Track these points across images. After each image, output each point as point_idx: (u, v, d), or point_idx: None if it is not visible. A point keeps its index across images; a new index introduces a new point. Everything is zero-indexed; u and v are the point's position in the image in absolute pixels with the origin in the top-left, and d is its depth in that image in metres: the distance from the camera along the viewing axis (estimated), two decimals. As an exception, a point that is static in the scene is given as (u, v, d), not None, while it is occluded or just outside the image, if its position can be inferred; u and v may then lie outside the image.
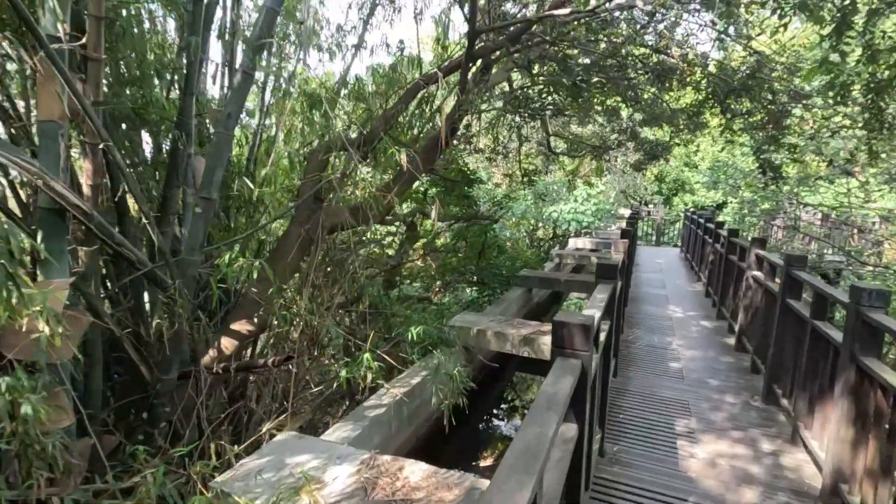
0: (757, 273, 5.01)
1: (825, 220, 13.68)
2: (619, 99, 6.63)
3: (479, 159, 8.61)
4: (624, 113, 8.97)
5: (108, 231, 2.57)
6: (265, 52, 4.71)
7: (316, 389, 4.10)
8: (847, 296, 2.73)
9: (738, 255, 5.94)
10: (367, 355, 3.45)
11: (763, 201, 11.71)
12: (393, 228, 7.53)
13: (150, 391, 3.24)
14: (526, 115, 4.68)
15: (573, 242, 14.20)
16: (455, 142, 7.73)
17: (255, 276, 2.98)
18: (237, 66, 4.02)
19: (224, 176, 3.63)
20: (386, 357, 3.75)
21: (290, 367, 3.50)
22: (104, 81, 2.97)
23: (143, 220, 2.81)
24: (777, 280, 4.58)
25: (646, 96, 6.65)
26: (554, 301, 9.66)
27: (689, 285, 9.10)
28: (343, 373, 3.33)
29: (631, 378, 4.52)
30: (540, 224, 15.29)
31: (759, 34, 5.57)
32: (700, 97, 6.53)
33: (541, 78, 4.78)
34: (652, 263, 11.59)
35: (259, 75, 4.68)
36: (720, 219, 13.33)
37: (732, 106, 5.03)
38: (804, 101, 5.41)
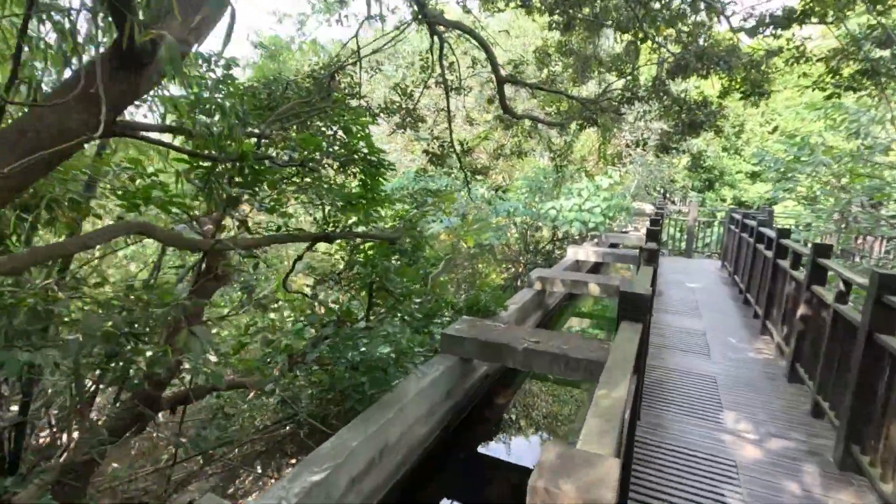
0: None
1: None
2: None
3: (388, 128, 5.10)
4: (644, 47, 5.24)
5: None
6: None
7: None
8: None
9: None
10: None
11: (847, 194, 7.86)
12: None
13: None
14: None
15: (572, 253, 10.51)
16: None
17: None
18: None
19: None
20: None
21: None
22: None
23: None
24: None
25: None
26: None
27: (748, 343, 5.38)
28: None
29: None
30: (539, 223, 11.70)
31: None
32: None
33: None
34: (682, 292, 7.49)
35: None
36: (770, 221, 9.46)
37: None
38: None
